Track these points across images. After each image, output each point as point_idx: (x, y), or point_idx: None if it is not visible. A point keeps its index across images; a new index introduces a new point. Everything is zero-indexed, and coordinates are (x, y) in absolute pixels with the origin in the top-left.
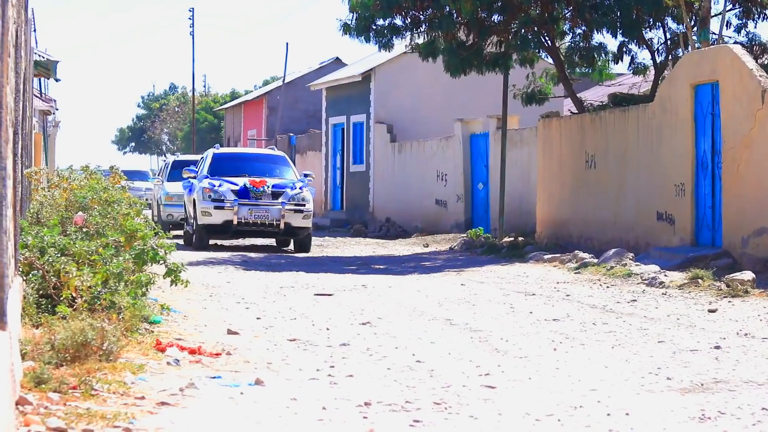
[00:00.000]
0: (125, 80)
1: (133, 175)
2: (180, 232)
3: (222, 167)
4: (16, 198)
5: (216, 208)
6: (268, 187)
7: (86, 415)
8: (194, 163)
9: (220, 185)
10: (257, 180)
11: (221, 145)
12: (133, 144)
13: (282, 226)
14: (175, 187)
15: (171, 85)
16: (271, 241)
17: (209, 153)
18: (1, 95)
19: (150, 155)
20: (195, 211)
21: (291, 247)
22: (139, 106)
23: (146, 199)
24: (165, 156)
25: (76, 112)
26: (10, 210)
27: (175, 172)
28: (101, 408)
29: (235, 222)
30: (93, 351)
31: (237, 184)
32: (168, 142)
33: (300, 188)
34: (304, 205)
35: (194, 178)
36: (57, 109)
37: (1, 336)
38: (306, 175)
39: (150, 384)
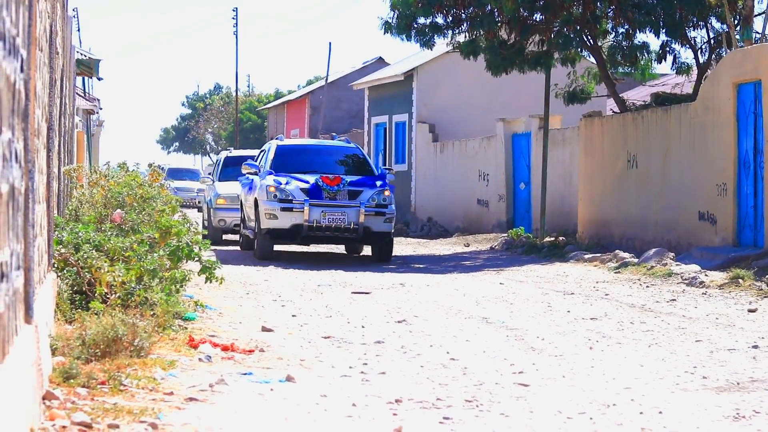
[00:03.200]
0: (170, 80)
1: (182, 173)
2: (233, 237)
3: (287, 162)
4: (50, 193)
5: (283, 209)
6: (344, 185)
7: (113, 410)
8: (250, 158)
9: (287, 183)
10: (331, 177)
11: (283, 137)
12: (177, 143)
13: (361, 230)
14: (228, 188)
15: (216, 85)
16: (332, 247)
17: (272, 145)
18: (28, 87)
19: (194, 155)
20: (257, 213)
21: (364, 253)
22: (183, 105)
23: (198, 201)
24: (209, 156)
25: (122, 112)
26: (41, 205)
27: (228, 170)
28: (129, 403)
29: (305, 226)
30: (124, 347)
31: (307, 182)
32: (212, 142)
33: (380, 186)
34: (386, 206)
35: (255, 174)
36: (101, 108)
37: (26, 329)
38: (385, 172)
39: (180, 380)
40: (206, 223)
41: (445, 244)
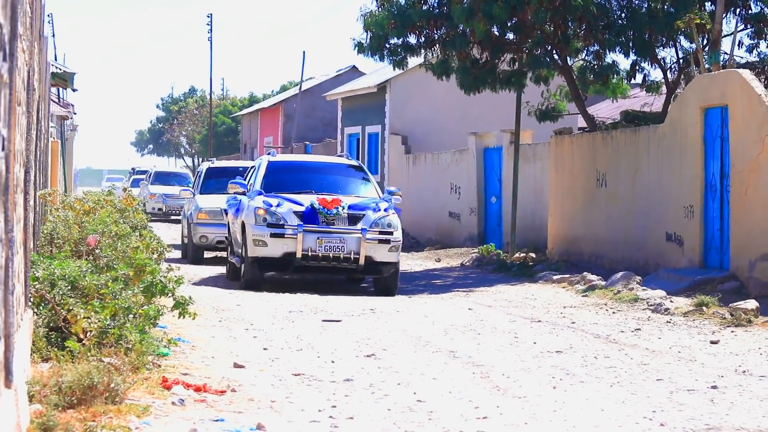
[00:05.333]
0: (145, 83)
1: (170, 178)
2: (214, 255)
3: (280, 180)
4: (27, 235)
5: (273, 235)
6: (343, 208)
7: None
8: (234, 171)
9: (278, 205)
10: (328, 198)
11: (276, 152)
12: (151, 146)
13: (361, 260)
14: (210, 201)
15: (191, 88)
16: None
17: (263, 161)
18: (9, 161)
19: (168, 157)
20: (244, 239)
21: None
22: (158, 107)
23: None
24: (183, 158)
25: (97, 114)
26: (19, 254)
27: (210, 182)
28: None
29: (298, 255)
30: (99, 392)
31: (301, 204)
32: (186, 145)
33: (385, 210)
34: (390, 233)
35: (243, 194)
36: (75, 114)
37: (6, 395)
38: (391, 193)
39: (154, 428)
40: (185, 239)
41: (416, 258)
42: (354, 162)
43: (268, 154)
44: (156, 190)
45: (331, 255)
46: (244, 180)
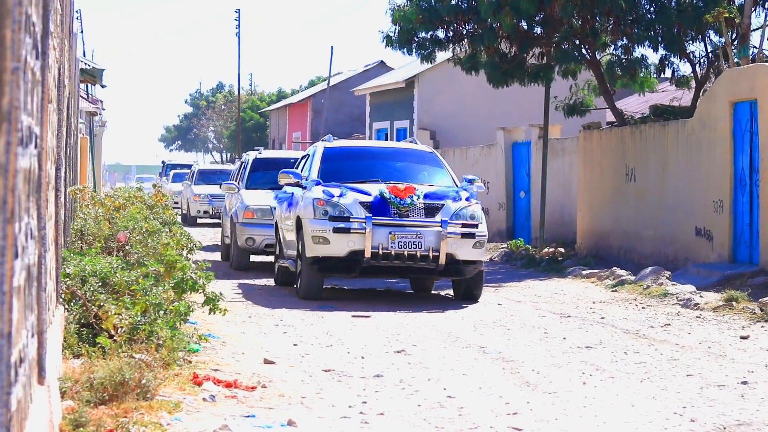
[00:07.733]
0: (173, 78)
1: (216, 176)
2: (262, 259)
3: (339, 169)
4: (58, 232)
5: (337, 230)
6: (418, 197)
7: None
8: (285, 162)
9: (341, 195)
10: (400, 186)
11: (332, 138)
12: (179, 142)
13: (442, 259)
14: (258, 198)
15: (219, 83)
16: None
17: (318, 147)
18: (41, 158)
19: (196, 152)
20: (301, 237)
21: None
22: (186, 103)
23: None
24: (211, 154)
25: (125, 110)
26: (50, 250)
27: (257, 174)
28: None
29: (367, 253)
30: (131, 389)
31: (368, 193)
32: (214, 140)
33: (467, 199)
34: (475, 225)
35: (296, 185)
36: (103, 110)
37: (40, 392)
38: (471, 181)
39: (185, 424)
40: (227, 240)
41: None
42: (425, 147)
43: (324, 140)
44: (200, 191)
45: (405, 253)
46: (297, 169)
